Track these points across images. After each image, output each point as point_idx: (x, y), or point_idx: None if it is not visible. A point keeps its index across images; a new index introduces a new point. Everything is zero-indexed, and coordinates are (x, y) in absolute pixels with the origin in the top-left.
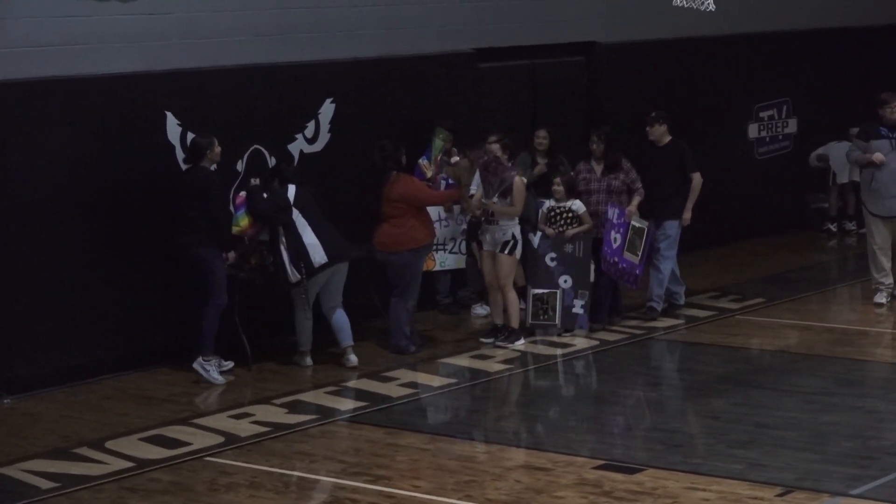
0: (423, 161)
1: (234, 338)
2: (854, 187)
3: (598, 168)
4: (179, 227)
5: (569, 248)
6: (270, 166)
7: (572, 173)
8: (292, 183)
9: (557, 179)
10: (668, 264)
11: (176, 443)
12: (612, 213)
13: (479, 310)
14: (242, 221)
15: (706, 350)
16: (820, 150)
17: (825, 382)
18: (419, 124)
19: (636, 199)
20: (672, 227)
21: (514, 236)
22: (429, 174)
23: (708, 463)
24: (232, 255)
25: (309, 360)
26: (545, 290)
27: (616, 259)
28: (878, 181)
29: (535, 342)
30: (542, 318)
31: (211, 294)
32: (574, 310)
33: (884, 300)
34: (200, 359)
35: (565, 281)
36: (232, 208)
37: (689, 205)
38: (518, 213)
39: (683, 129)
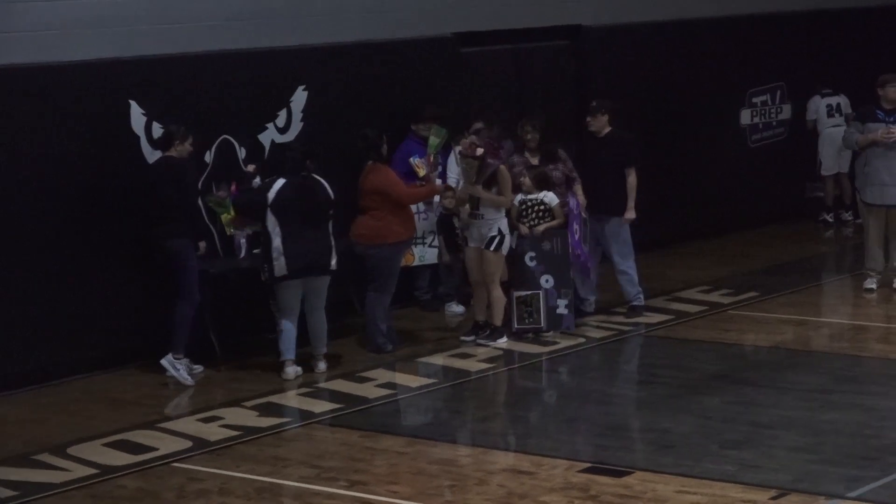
0: (414, 160)
1: (204, 336)
2: (851, 176)
3: (533, 160)
4: (152, 220)
5: (547, 245)
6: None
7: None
8: (285, 175)
9: (524, 171)
10: (631, 263)
11: (143, 448)
12: (573, 203)
13: (455, 308)
14: (228, 213)
15: (698, 346)
16: (811, 116)
17: (823, 379)
18: (397, 112)
19: (579, 188)
20: (618, 224)
21: (500, 231)
22: (421, 173)
23: (700, 465)
24: (203, 245)
25: (289, 372)
26: (527, 292)
27: (579, 252)
28: (871, 166)
29: (518, 340)
30: (527, 321)
31: (184, 289)
32: (558, 310)
33: (873, 286)
34: (171, 355)
35: (547, 280)
36: (225, 195)
37: (630, 202)
38: (507, 203)
39: (673, 116)
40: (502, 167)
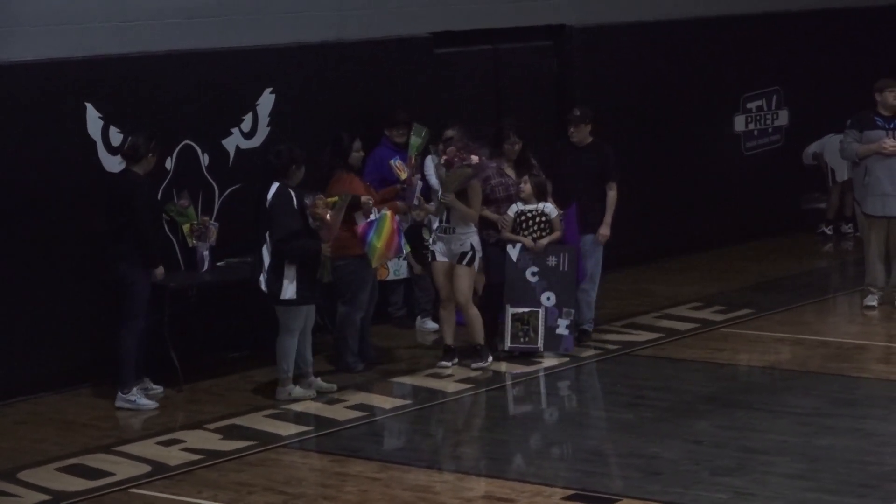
0: (395, 161)
1: (164, 354)
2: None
3: (511, 171)
4: (105, 236)
5: (552, 260)
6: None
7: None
8: (278, 179)
9: (525, 178)
10: (596, 285)
11: (98, 473)
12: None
13: (429, 324)
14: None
15: (689, 366)
16: (814, 148)
17: (820, 402)
18: (370, 116)
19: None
20: (592, 241)
21: (472, 247)
22: (403, 176)
23: (690, 492)
24: (160, 271)
25: (286, 392)
26: (526, 309)
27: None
28: (871, 176)
29: (498, 359)
30: (522, 340)
31: (125, 314)
32: (558, 330)
33: (874, 303)
34: (120, 393)
35: (548, 298)
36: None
37: (608, 218)
38: (475, 217)
39: (662, 121)
40: (474, 180)
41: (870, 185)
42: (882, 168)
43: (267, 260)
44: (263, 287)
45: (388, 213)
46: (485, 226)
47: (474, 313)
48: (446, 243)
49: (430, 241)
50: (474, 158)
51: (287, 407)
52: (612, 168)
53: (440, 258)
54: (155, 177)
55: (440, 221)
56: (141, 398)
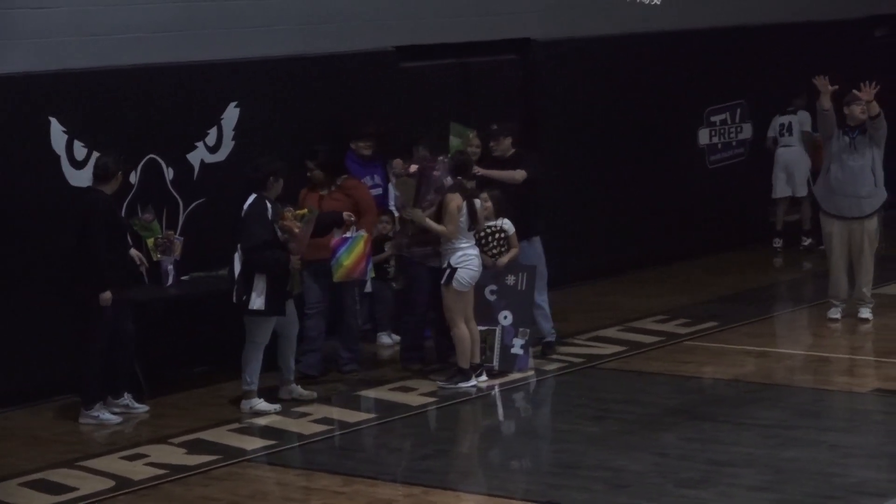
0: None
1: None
2: (812, 201)
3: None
4: (72, 254)
5: (510, 279)
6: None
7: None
8: (256, 191)
9: (485, 195)
10: (545, 296)
11: (62, 488)
12: None
13: (386, 339)
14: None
15: (654, 379)
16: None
17: (785, 414)
18: (336, 130)
19: None
20: (528, 247)
21: (450, 264)
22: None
23: None
24: (106, 297)
25: (249, 406)
26: (482, 328)
27: None
28: (833, 177)
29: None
30: (479, 358)
31: (87, 336)
32: (513, 350)
33: (837, 315)
34: (83, 410)
35: (505, 317)
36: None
37: (493, 173)
38: (450, 234)
39: (627, 135)
40: (449, 196)
41: (831, 186)
42: (843, 170)
43: (238, 270)
44: (234, 296)
45: (365, 235)
46: (415, 242)
47: (460, 334)
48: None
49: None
50: (412, 168)
51: (252, 421)
52: (527, 163)
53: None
54: (119, 191)
55: (416, 239)
56: (104, 413)
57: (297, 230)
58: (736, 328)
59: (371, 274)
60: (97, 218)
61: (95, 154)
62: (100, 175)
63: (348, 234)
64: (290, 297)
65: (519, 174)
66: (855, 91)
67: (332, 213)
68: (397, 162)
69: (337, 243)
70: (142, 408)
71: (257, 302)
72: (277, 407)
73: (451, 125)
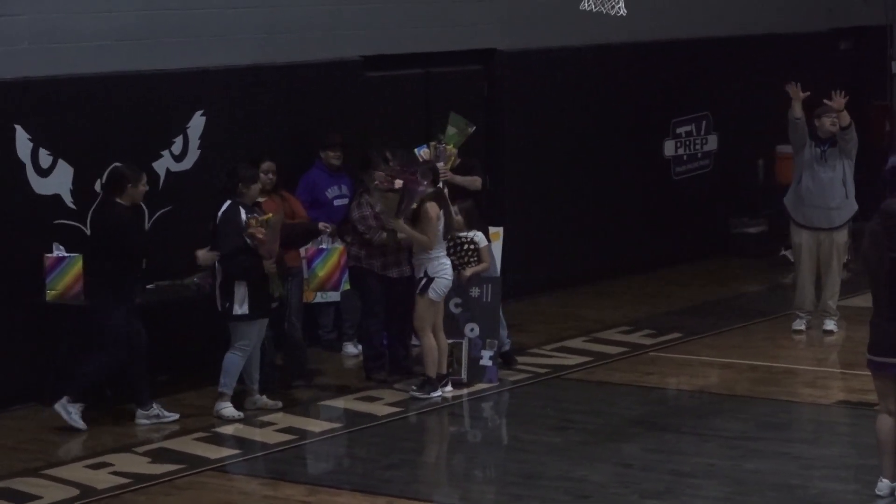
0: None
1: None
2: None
3: (372, 200)
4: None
5: (475, 291)
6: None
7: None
8: (230, 197)
9: (456, 208)
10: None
11: (25, 497)
12: None
13: (351, 348)
14: None
15: (617, 390)
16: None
17: (748, 426)
18: (301, 139)
19: None
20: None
21: (426, 273)
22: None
23: None
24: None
25: (218, 408)
26: (449, 341)
27: None
28: (807, 189)
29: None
30: (448, 370)
31: (108, 347)
32: (482, 361)
33: (802, 327)
34: (65, 399)
35: (472, 330)
36: None
37: (457, 178)
38: (429, 244)
39: (592, 145)
40: (428, 204)
41: (801, 196)
42: (813, 181)
43: (219, 278)
44: (217, 304)
45: (341, 247)
46: (371, 255)
47: (429, 344)
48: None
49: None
50: (397, 183)
51: (216, 430)
52: (478, 170)
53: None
54: (83, 196)
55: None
56: (77, 415)
57: (261, 235)
58: (700, 339)
59: (346, 286)
60: (134, 227)
61: (61, 162)
62: (113, 186)
63: (324, 246)
64: (274, 300)
65: (477, 181)
66: (826, 101)
67: (307, 223)
68: (379, 174)
69: (312, 254)
70: (172, 416)
71: (240, 307)
72: (241, 414)
73: (451, 115)
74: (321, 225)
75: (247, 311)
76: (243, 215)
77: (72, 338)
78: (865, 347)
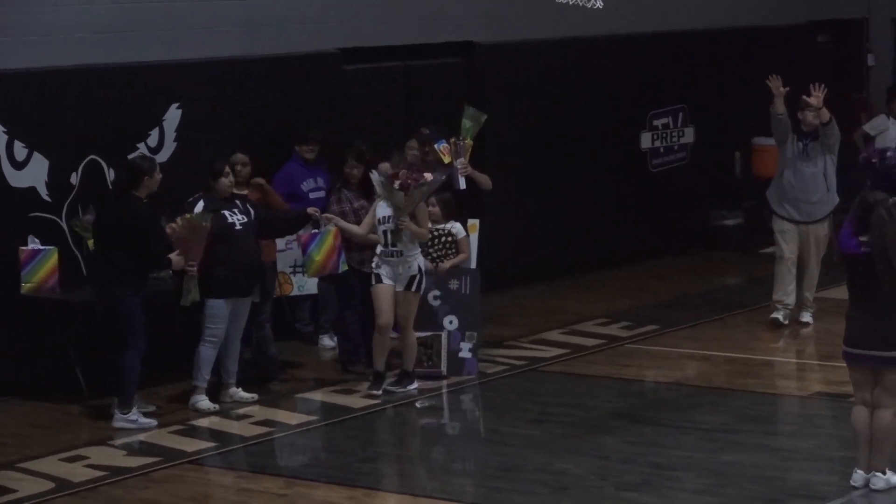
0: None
1: (69, 371)
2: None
3: (350, 195)
4: (100, 259)
5: (454, 284)
6: None
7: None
8: (204, 198)
9: (433, 199)
10: None
11: (1, 490)
12: None
13: (328, 341)
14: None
15: (595, 382)
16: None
17: (726, 418)
18: (278, 132)
19: None
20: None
21: (419, 269)
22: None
23: None
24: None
25: (193, 402)
26: (428, 333)
27: None
28: (789, 183)
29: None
30: (425, 364)
31: (128, 339)
32: (461, 354)
33: (780, 317)
34: (118, 413)
35: (451, 322)
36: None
37: (476, 172)
38: (426, 236)
39: (569, 138)
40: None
41: (783, 190)
42: (796, 175)
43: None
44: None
45: (334, 229)
46: (349, 249)
47: (412, 340)
48: (393, 266)
49: (374, 264)
50: (428, 176)
51: (193, 423)
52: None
53: (386, 281)
54: (59, 190)
55: (385, 245)
56: (141, 417)
57: (169, 231)
58: (678, 331)
59: (344, 267)
60: (152, 222)
61: (36, 154)
62: (129, 179)
63: (316, 230)
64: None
65: (488, 180)
66: (805, 97)
67: (298, 210)
68: (384, 166)
69: (307, 239)
70: (150, 422)
71: (192, 297)
72: (216, 407)
73: (466, 108)
74: (310, 210)
75: (197, 297)
76: (201, 209)
77: (54, 332)
78: (842, 339)
